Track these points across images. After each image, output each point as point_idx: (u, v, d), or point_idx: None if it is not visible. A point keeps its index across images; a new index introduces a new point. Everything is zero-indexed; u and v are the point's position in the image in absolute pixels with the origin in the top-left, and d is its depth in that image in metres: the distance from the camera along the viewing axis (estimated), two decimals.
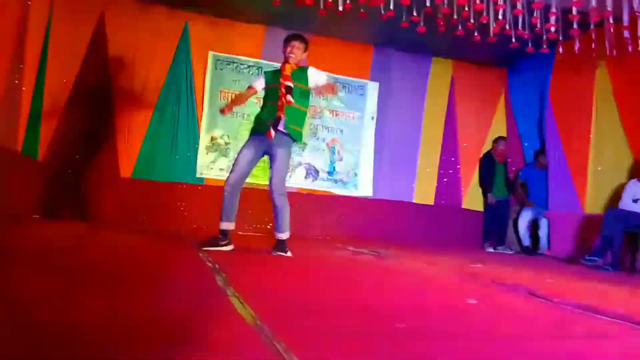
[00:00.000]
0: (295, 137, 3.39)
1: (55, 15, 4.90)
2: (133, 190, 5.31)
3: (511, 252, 5.88)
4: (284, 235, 3.35)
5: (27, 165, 4.72)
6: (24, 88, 4.49)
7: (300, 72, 3.42)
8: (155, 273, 2.30)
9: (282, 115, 3.30)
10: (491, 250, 5.92)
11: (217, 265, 2.50)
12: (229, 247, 3.29)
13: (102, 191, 5.25)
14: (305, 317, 1.61)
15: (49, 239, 3.30)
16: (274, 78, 3.44)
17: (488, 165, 6.19)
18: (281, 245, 3.33)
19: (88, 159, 5.28)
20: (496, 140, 6.24)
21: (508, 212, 6.18)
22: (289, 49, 3.41)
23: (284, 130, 3.33)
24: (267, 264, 3.00)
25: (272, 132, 3.27)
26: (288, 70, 3.37)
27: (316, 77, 3.42)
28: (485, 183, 6.19)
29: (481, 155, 6.40)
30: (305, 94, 3.43)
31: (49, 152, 5.04)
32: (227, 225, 3.30)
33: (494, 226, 6.12)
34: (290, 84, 3.31)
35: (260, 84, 3.52)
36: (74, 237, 3.55)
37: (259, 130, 3.37)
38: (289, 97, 3.28)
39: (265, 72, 3.59)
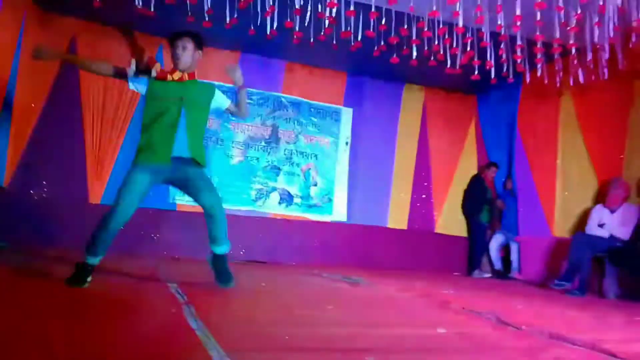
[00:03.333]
0: (201, 162, 2.88)
1: (25, 39, 4.84)
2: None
3: (488, 276, 5.92)
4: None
5: None
6: None
7: (197, 85, 2.93)
8: (122, 305, 2.25)
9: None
10: (488, 276, 5.86)
11: (185, 297, 2.46)
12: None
13: (70, 217, 5.12)
14: (273, 352, 1.59)
15: (11, 269, 3.19)
16: (163, 90, 2.82)
17: (481, 189, 6.14)
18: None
19: (56, 184, 5.16)
20: (488, 166, 6.23)
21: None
22: (176, 51, 2.82)
23: (186, 156, 2.81)
24: (238, 294, 2.96)
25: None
26: (176, 77, 2.84)
27: (222, 99, 3.05)
28: (476, 206, 6.14)
29: (471, 179, 6.41)
30: (202, 109, 2.93)
31: (14, 177, 4.92)
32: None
33: (482, 251, 6.08)
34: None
35: (142, 87, 2.86)
36: (40, 266, 3.44)
37: (152, 158, 2.76)
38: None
39: (150, 80, 2.87)
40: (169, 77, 2.85)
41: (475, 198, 6.19)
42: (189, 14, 3.97)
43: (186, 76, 2.87)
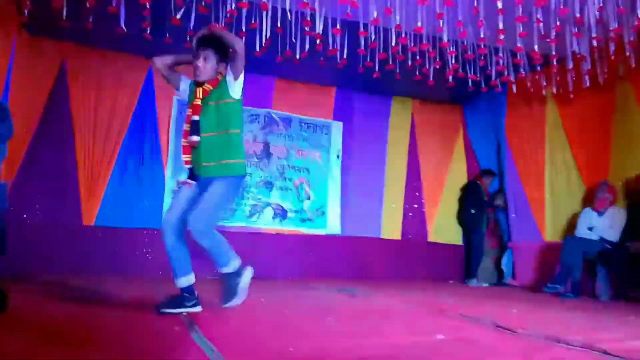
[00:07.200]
0: (230, 174, 2.64)
1: (16, 63, 4.87)
2: (96, 238, 5.19)
3: (487, 285, 5.78)
4: (231, 267, 2.73)
5: None
6: None
7: (219, 87, 2.63)
8: (124, 327, 2.27)
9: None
10: (486, 285, 5.74)
11: (186, 314, 2.48)
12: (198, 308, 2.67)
13: (65, 241, 5.11)
14: None
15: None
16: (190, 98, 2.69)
17: (480, 197, 6.08)
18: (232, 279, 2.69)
19: (49, 208, 5.16)
20: (485, 174, 6.19)
21: None
22: (196, 63, 2.59)
23: (210, 176, 2.62)
24: (238, 310, 2.98)
25: (190, 182, 2.66)
26: (200, 95, 2.59)
27: (234, 82, 2.63)
28: (476, 215, 6.04)
29: (467, 186, 6.43)
30: (231, 110, 2.63)
31: (8, 202, 4.90)
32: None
33: (481, 260, 6.01)
34: (196, 118, 2.57)
35: (185, 89, 2.74)
36: (36, 292, 3.44)
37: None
38: (193, 137, 2.55)
39: (192, 84, 2.73)
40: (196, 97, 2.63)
41: (476, 206, 6.10)
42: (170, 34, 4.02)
43: (208, 86, 2.62)
